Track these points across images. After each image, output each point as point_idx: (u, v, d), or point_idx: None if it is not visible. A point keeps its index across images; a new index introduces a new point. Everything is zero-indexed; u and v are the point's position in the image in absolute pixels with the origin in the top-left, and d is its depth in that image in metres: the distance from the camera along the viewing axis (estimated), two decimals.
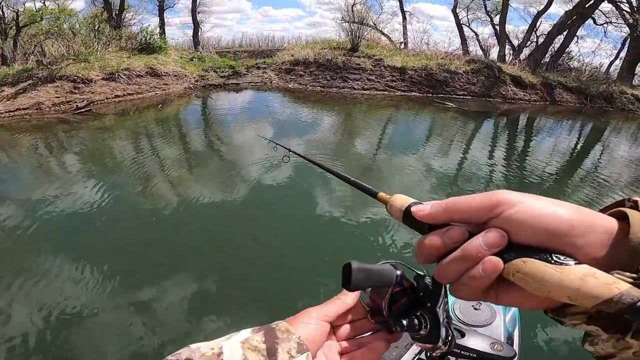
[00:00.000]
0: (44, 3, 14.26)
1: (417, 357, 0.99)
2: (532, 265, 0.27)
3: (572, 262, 0.26)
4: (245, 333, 0.40)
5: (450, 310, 1.19)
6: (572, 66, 15.46)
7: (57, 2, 14.71)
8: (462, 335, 0.82)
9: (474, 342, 0.81)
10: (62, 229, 3.32)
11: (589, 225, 0.28)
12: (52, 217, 3.47)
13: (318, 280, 2.62)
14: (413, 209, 0.35)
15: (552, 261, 0.27)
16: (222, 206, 3.84)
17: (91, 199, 3.81)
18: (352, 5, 13.18)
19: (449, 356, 0.83)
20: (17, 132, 6.61)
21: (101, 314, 2.29)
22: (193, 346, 0.38)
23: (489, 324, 1.15)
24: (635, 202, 0.29)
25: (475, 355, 0.80)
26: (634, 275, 0.25)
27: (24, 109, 7.84)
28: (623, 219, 0.28)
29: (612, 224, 0.28)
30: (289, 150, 1.05)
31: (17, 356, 1.99)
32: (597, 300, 0.25)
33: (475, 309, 1.20)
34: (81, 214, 3.52)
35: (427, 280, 0.40)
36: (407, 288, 0.41)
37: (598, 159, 6.92)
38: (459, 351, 0.80)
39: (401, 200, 0.38)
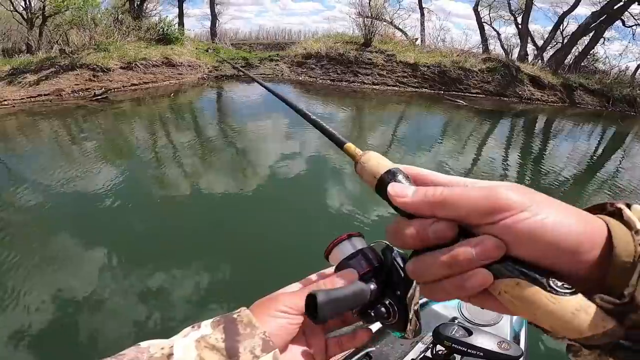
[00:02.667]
0: None
1: (422, 355, 0.98)
2: (527, 289, 0.24)
3: (567, 291, 0.24)
4: (205, 328, 0.36)
5: (457, 308, 1.21)
6: (597, 68, 14.88)
7: None
8: (470, 333, 0.82)
9: (481, 340, 0.81)
10: (75, 210, 3.46)
11: (593, 241, 0.24)
12: (67, 198, 3.63)
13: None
14: (390, 189, 0.28)
15: (548, 288, 0.24)
16: (230, 194, 3.95)
17: (105, 183, 3.96)
18: (370, 0, 13.10)
19: (455, 354, 0.88)
20: (37, 117, 6.94)
21: (108, 297, 2.36)
22: (143, 344, 0.34)
23: (496, 323, 1.13)
24: (619, 209, 0.26)
25: (482, 354, 0.79)
26: (617, 301, 0.23)
27: (45, 95, 8.21)
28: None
29: (605, 234, 0.25)
30: (238, 69, 1.06)
31: (24, 337, 2.05)
32: (580, 335, 0.23)
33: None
34: (95, 197, 3.67)
35: (395, 254, 0.37)
36: (376, 267, 0.37)
37: (617, 165, 6.67)
38: (465, 349, 0.80)
39: (376, 162, 0.31)
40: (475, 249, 0.25)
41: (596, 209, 0.28)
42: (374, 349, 1.03)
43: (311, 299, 0.32)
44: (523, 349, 1.04)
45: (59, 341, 2.04)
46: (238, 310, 0.37)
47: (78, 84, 8.72)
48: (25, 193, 3.69)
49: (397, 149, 6.02)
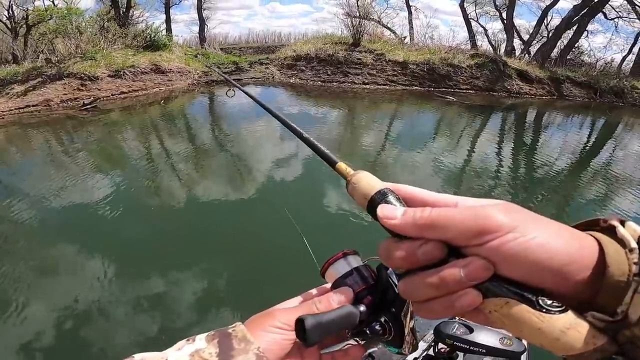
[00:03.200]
0: (52, 2, 14.64)
1: (425, 353, 0.98)
2: (515, 308, 0.24)
3: (557, 309, 0.24)
4: (199, 342, 0.35)
5: None
6: (583, 61, 15.13)
7: (66, 0, 15.11)
8: (471, 331, 0.81)
9: (483, 337, 0.80)
10: (69, 220, 3.44)
11: (583, 261, 0.25)
12: (61, 209, 3.60)
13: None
14: (380, 212, 0.29)
15: (537, 307, 0.24)
16: (224, 201, 3.91)
17: (98, 193, 3.93)
18: (358, 0, 13.16)
19: (457, 352, 0.87)
20: (27, 128, 6.85)
21: (103, 306, 2.35)
22: (136, 357, 0.34)
23: None
24: (612, 226, 0.26)
25: (484, 351, 0.79)
26: (610, 318, 0.23)
27: (33, 105, 8.10)
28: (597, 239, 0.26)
29: (596, 253, 0.25)
30: (233, 84, 1.07)
31: (21, 347, 2.04)
32: (569, 352, 0.24)
33: None
34: (87, 207, 3.64)
35: (391, 274, 0.37)
36: (371, 285, 0.38)
37: (610, 155, 6.77)
38: (467, 347, 0.80)
39: (366, 183, 0.31)
40: (464, 270, 0.25)
41: (589, 224, 0.28)
42: (376, 349, 1.01)
43: (300, 324, 0.32)
44: (526, 344, 1.04)
45: (53, 352, 2.03)
46: (233, 325, 0.37)
47: (66, 94, 8.61)
48: (19, 205, 3.65)
49: (391, 147, 6.04)
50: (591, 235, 0.26)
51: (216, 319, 2.29)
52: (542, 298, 0.24)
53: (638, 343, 0.22)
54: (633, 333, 0.22)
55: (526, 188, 4.73)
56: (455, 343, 0.81)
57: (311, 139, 0.40)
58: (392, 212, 0.28)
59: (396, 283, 0.36)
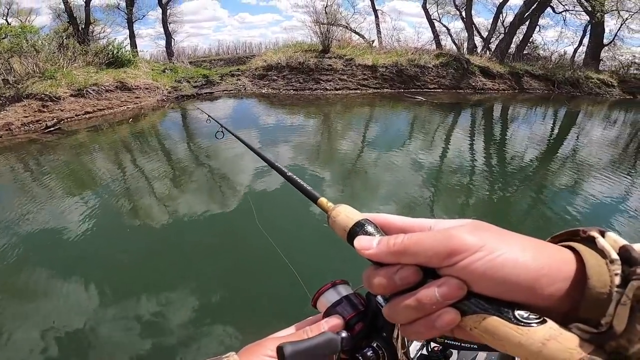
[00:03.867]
0: (6, 20, 13.93)
1: (419, 353, 0.99)
2: (492, 323, 0.25)
3: (534, 321, 0.24)
4: None
5: None
6: (539, 55, 16.01)
7: (19, 18, 14.41)
8: None
9: None
10: (43, 248, 3.29)
11: (553, 274, 0.25)
12: (34, 238, 3.43)
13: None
14: (356, 244, 0.31)
15: (514, 320, 0.25)
16: (203, 218, 3.82)
17: (68, 217, 3.77)
18: (325, 7, 13.33)
19: (451, 349, 0.89)
20: None
21: (92, 329, 2.29)
22: None
23: None
24: (592, 237, 0.26)
25: (476, 346, 0.79)
26: (594, 330, 0.23)
27: None
28: (576, 251, 0.26)
29: (572, 267, 0.26)
30: (222, 126, 1.08)
31: None
32: None
33: None
34: (58, 232, 3.49)
35: (379, 299, 0.38)
36: (361, 311, 0.38)
37: (575, 142, 7.13)
38: (459, 343, 0.79)
39: (345, 215, 0.33)
40: (438, 290, 0.26)
41: (568, 235, 0.29)
42: None
43: (280, 352, 0.32)
44: None
45: None
46: (227, 355, 0.37)
47: (27, 116, 8.18)
48: None
49: (367, 151, 6.12)
50: (571, 246, 0.27)
51: (205, 342, 2.25)
52: (518, 312, 0.25)
53: (625, 353, 0.22)
54: (619, 344, 0.23)
55: (500, 180, 4.93)
56: (446, 341, 0.82)
57: (294, 177, 0.42)
58: (367, 243, 0.30)
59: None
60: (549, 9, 15.07)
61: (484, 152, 6.32)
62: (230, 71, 11.63)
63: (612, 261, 0.24)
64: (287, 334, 0.41)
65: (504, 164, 5.62)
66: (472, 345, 0.79)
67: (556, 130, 8.29)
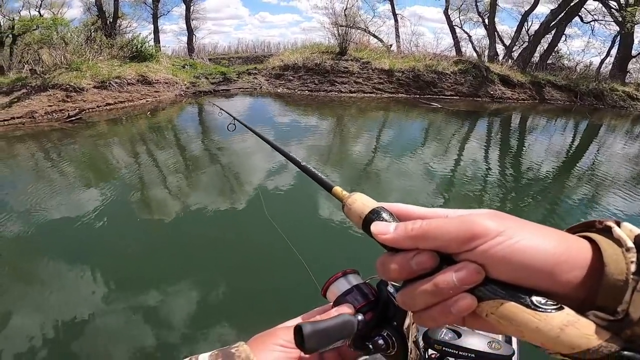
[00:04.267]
0: (39, 12, 14.56)
1: None
2: (510, 308, 0.25)
3: (551, 308, 0.24)
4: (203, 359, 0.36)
5: None
6: (564, 65, 15.56)
7: (52, 10, 15.03)
8: (459, 335, 0.81)
9: (471, 341, 0.80)
10: (58, 235, 3.39)
11: (571, 261, 0.25)
12: (48, 224, 3.55)
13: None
14: (374, 229, 0.30)
15: (532, 306, 0.25)
16: (218, 213, 3.85)
17: (83, 205, 3.90)
18: (345, 10, 13.37)
19: (447, 357, 0.86)
20: (11, 141, 6.77)
21: (101, 320, 2.32)
22: None
23: None
24: (608, 227, 0.27)
25: (473, 355, 0.79)
26: (611, 317, 0.24)
27: (17, 117, 8.01)
28: (593, 241, 0.27)
29: (589, 255, 0.26)
30: (234, 118, 1.05)
31: None
32: (573, 350, 0.24)
33: None
34: (72, 219, 3.60)
35: (390, 289, 0.38)
36: (372, 301, 0.38)
37: (595, 157, 6.91)
38: (457, 352, 0.79)
39: (361, 203, 0.33)
40: (456, 275, 0.26)
41: (584, 227, 0.29)
42: (367, 357, 1.03)
43: (298, 331, 0.33)
44: (515, 347, 1.03)
45: None
46: (236, 344, 0.37)
47: (51, 105, 8.54)
48: (2, 218, 3.61)
49: (381, 155, 6.08)
50: (587, 237, 0.27)
51: (214, 334, 2.28)
52: (536, 297, 0.25)
53: (639, 342, 0.23)
54: (634, 332, 0.23)
55: (515, 191, 4.82)
56: (444, 348, 0.81)
57: (308, 166, 0.43)
58: (385, 228, 0.30)
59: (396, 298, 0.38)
60: (576, 18, 14.64)
61: (498, 162, 6.20)
62: (248, 69, 11.80)
63: (628, 249, 0.25)
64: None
65: (519, 176, 5.49)
66: (469, 354, 0.79)
67: (576, 143, 8.04)
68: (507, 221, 0.27)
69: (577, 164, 6.42)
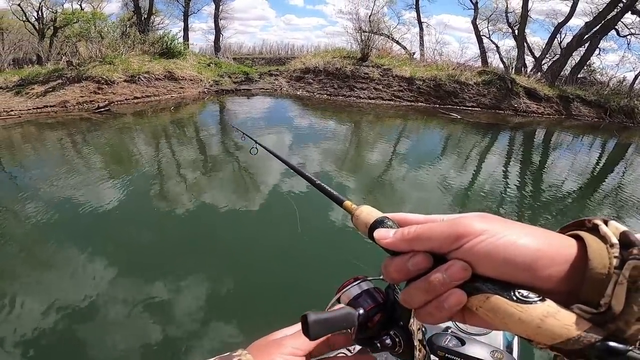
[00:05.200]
0: (80, 5, 15.33)
1: None
2: (494, 301, 0.27)
3: (535, 299, 0.26)
4: None
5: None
6: (595, 80, 14.96)
7: (92, 4, 15.79)
8: (463, 343, 0.83)
9: (474, 350, 0.82)
10: (75, 221, 3.54)
11: (552, 256, 0.27)
12: (68, 209, 3.74)
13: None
14: (376, 235, 0.34)
15: (515, 298, 0.26)
16: (231, 212, 3.89)
17: (105, 194, 4.07)
18: (369, 16, 13.40)
19: None
20: (42, 128, 7.24)
21: (108, 309, 2.35)
22: None
23: (488, 332, 1.12)
24: (596, 225, 0.28)
25: None
26: (594, 310, 0.25)
27: (50, 106, 8.53)
28: (581, 239, 0.28)
29: (573, 251, 0.27)
30: (256, 142, 1.09)
31: (26, 347, 2.06)
32: (554, 340, 0.25)
33: None
34: (95, 208, 3.76)
35: (397, 291, 0.40)
36: (380, 304, 0.40)
37: (620, 179, 6.64)
38: (459, 359, 0.81)
39: (367, 214, 0.37)
40: (446, 272, 0.29)
41: (575, 226, 0.30)
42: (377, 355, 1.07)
43: (304, 319, 0.35)
44: (516, 357, 1.07)
45: (45, 356, 2.07)
46: (238, 353, 0.38)
47: (83, 96, 9.04)
48: (26, 202, 3.82)
49: (396, 165, 6.05)
50: (576, 234, 0.29)
51: (217, 333, 2.29)
52: (519, 291, 0.27)
53: (622, 336, 0.24)
54: (617, 326, 0.24)
55: (533, 210, 4.69)
56: (447, 355, 0.82)
57: (323, 184, 0.48)
58: (385, 233, 0.33)
59: None
60: (612, 32, 14.05)
61: (517, 178, 6.01)
62: (270, 70, 12.04)
63: (612, 245, 0.26)
64: (298, 330, 0.42)
65: (537, 194, 5.30)
66: None
67: (602, 163, 7.73)
68: (492, 221, 0.29)
69: (601, 185, 6.17)
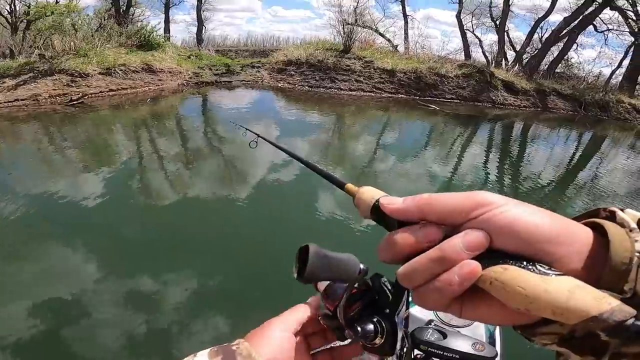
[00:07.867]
0: None
1: None
2: (515, 272, 0.24)
3: (554, 274, 0.24)
4: (202, 358, 0.35)
5: (432, 311, 1.18)
6: (573, 74, 15.34)
7: None
8: (445, 336, 0.83)
9: (456, 343, 0.82)
10: (53, 217, 3.41)
11: (571, 235, 0.26)
12: (45, 205, 3.60)
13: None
14: (382, 200, 0.31)
15: (537, 271, 0.24)
16: (213, 203, 3.85)
17: (83, 189, 3.94)
18: (355, 8, 13.38)
19: (433, 358, 0.89)
20: (14, 121, 7.00)
21: (96, 304, 2.31)
22: None
23: (470, 324, 1.12)
24: (612, 212, 0.27)
25: (457, 357, 0.81)
26: (619, 296, 0.23)
27: (22, 99, 8.25)
28: (596, 228, 0.27)
29: (591, 235, 0.26)
30: (258, 135, 1.09)
31: (13, 349, 2.00)
32: (584, 316, 0.22)
33: None
34: (72, 203, 3.63)
35: (384, 280, 0.38)
36: (363, 291, 0.38)
37: (596, 169, 6.82)
38: (442, 352, 0.81)
39: (370, 192, 0.35)
40: (462, 240, 0.26)
41: (590, 215, 0.29)
42: (361, 357, 1.04)
43: (302, 253, 0.32)
44: (498, 349, 1.07)
45: (31, 355, 2.01)
46: (236, 342, 0.37)
47: (56, 89, 8.76)
48: (3, 200, 3.65)
49: (377, 157, 6.07)
50: (591, 222, 0.27)
51: (211, 325, 2.27)
52: (540, 264, 0.25)
53: None
54: None
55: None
56: (429, 349, 0.81)
57: (323, 169, 0.48)
58: (394, 201, 0.31)
59: (390, 290, 0.37)
60: (590, 27, 14.41)
61: (496, 169, 6.15)
62: (252, 63, 11.91)
63: (631, 230, 0.25)
64: (291, 309, 0.42)
65: (515, 184, 5.43)
66: (454, 355, 0.81)
67: (577, 154, 7.94)
68: (508, 198, 0.28)
69: (577, 176, 6.34)
